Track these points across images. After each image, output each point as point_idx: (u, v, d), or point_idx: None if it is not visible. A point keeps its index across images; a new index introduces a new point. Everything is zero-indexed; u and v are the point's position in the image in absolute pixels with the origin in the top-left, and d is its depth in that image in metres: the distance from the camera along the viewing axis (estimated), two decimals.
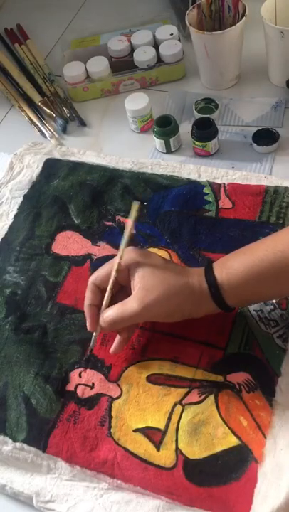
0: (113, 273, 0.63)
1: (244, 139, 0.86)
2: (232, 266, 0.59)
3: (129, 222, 0.64)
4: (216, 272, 0.59)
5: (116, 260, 0.63)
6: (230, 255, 0.61)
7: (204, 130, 0.83)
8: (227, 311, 0.61)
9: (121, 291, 0.64)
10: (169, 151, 0.86)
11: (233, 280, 0.59)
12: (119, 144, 0.90)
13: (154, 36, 0.98)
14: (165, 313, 0.61)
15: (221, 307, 0.60)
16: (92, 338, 0.64)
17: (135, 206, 0.65)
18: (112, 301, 0.63)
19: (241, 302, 0.63)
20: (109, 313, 0.61)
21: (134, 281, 0.61)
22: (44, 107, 0.97)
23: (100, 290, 0.64)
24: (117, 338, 0.64)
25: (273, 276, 0.58)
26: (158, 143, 0.86)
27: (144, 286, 0.60)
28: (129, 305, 0.60)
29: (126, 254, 0.63)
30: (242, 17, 0.86)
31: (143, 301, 0.59)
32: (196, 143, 0.84)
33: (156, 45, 0.97)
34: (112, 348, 0.64)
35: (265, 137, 0.83)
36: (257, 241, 0.62)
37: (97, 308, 0.63)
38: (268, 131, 0.83)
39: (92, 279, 0.64)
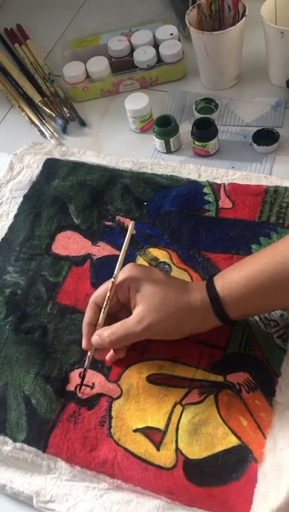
0: (108, 293, 0.63)
1: (244, 139, 0.86)
2: (233, 279, 0.59)
3: (125, 243, 0.65)
4: (218, 287, 0.59)
5: (111, 280, 0.63)
6: (230, 268, 0.61)
7: (204, 130, 0.83)
8: (228, 324, 0.62)
9: (122, 309, 0.65)
10: (169, 151, 0.86)
11: (234, 294, 0.59)
12: (119, 144, 0.90)
13: (154, 36, 0.98)
14: (165, 332, 0.61)
15: (223, 321, 0.60)
16: (87, 358, 0.64)
17: (131, 226, 0.65)
18: (114, 318, 0.63)
19: (243, 315, 0.63)
20: (111, 332, 0.61)
21: (134, 300, 0.62)
22: (44, 107, 0.97)
23: (100, 309, 0.64)
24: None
25: (274, 288, 0.58)
26: (158, 143, 0.86)
27: (144, 306, 0.60)
28: (130, 325, 0.60)
29: (127, 270, 0.64)
30: (242, 17, 0.86)
31: (143, 322, 0.60)
32: (196, 143, 0.84)
33: (156, 45, 0.97)
34: (108, 357, 0.65)
35: (265, 137, 0.83)
36: (256, 252, 0.62)
37: (94, 328, 0.64)
38: (268, 131, 0.83)
39: (93, 297, 0.65)
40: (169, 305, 0.60)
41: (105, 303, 0.63)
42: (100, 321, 0.63)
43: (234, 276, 0.59)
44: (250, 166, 0.82)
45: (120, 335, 0.61)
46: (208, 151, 0.84)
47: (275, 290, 0.58)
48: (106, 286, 0.64)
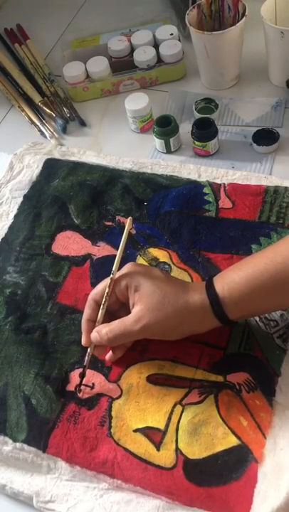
0: (106, 290, 0.63)
1: (244, 139, 0.86)
2: (233, 280, 0.59)
3: (123, 239, 0.65)
4: (218, 288, 0.59)
5: (109, 277, 0.63)
6: (230, 268, 0.61)
7: (204, 130, 0.83)
8: (228, 325, 0.62)
9: (122, 307, 0.65)
10: (169, 151, 0.86)
11: (234, 295, 0.58)
12: (119, 143, 0.90)
13: (154, 36, 0.98)
14: (163, 332, 0.61)
15: (223, 322, 0.60)
16: (87, 356, 0.64)
17: (129, 222, 0.66)
18: (114, 317, 0.63)
19: (243, 316, 0.62)
20: (109, 330, 0.61)
21: (133, 299, 0.62)
22: (44, 107, 0.97)
23: (99, 306, 0.64)
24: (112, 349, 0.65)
25: (274, 289, 0.58)
26: (158, 143, 0.86)
27: (143, 305, 0.60)
28: (128, 324, 0.60)
29: (126, 268, 0.64)
30: (242, 17, 0.86)
31: (141, 321, 0.60)
32: (196, 143, 0.84)
33: (156, 45, 0.97)
34: (108, 357, 0.65)
35: (265, 137, 0.83)
36: (256, 253, 0.62)
37: (94, 324, 0.64)
38: (268, 131, 0.83)
39: (91, 295, 0.65)
40: (167, 305, 0.60)
41: (104, 299, 0.63)
42: (98, 318, 0.64)
43: (234, 277, 0.59)
44: (250, 166, 0.82)
45: (118, 333, 0.61)
46: (208, 151, 0.84)
47: (276, 290, 0.58)
48: (105, 283, 0.64)
